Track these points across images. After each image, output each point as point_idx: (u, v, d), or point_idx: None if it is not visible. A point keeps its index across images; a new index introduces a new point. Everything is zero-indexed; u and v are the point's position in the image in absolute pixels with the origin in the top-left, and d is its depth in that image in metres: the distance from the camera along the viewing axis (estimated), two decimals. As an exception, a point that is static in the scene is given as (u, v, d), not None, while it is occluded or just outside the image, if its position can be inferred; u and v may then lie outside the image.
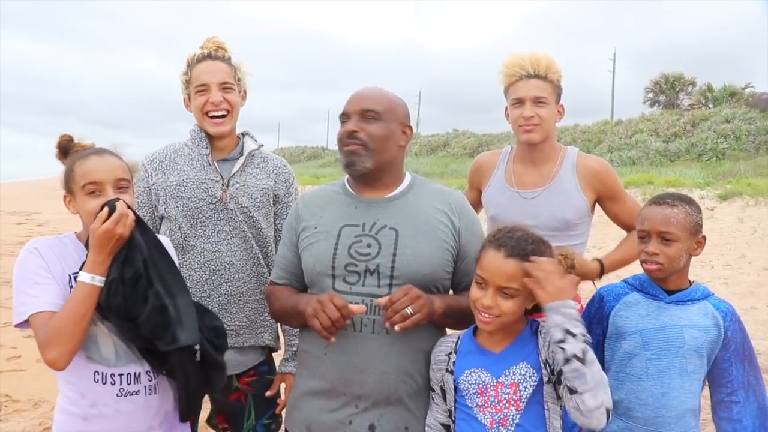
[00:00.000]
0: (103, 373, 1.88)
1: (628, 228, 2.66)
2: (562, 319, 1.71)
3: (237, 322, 2.44)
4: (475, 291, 1.84)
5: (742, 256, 10.79)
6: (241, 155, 2.50)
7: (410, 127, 2.11)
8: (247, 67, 2.56)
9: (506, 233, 1.85)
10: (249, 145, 2.53)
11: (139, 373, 1.92)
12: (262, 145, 2.59)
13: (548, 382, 1.79)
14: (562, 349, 1.68)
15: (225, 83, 2.44)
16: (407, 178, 2.11)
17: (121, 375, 1.89)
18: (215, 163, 2.45)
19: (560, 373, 1.72)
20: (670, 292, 2.03)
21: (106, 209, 1.81)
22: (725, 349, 1.99)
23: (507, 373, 1.83)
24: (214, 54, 2.48)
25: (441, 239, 1.99)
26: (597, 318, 2.14)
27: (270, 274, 2.59)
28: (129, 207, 1.85)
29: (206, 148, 2.46)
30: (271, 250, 2.56)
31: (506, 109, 2.66)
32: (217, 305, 2.39)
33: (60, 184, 1.95)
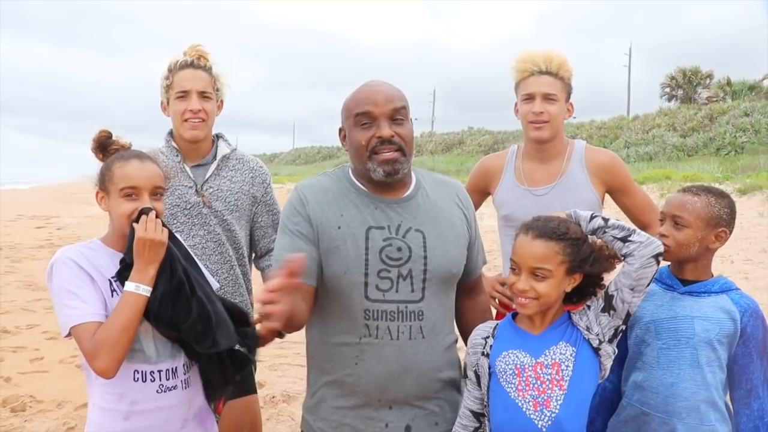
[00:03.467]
0: (143, 371, 1.89)
1: (638, 222, 2.65)
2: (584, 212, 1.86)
3: None
4: (511, 277, 1.86)
5: (762, 251, 10.67)
6: (215, 160, 2.58)
7: (412, 122, 2.06)
8: (226, 78, 2.67)
9: (533, 221, 1.88)
10: (222, 149, 2.61)
11: (176, 368, 1.95)
12: (236, 148, 2.66)
13: (599, 345, 1.83)
14: (604, 219, 1.82)
15: (204, 92, 2.54)
16: (413, 175, 2.06)
17: (160, 371, 1.91)
18: (188, 168, 2.54)
19: (601, 234, 1.81)
20: (688, 283, 2.03)
21: (143, 218, 1.84)
22: (745, 345, 1.96)
23: (547, 353, 1.84)
24: (197, 63, 2.57)
25: (460, 234, 2.02)
26: None
27: (244, 277, 2.66)
28: (158, 216, 1.89)
29: (177, 155, 2.56)
30: (244, 254, 2.62)
31: (516, 104, 2.67)
32: None
33: (95, 181, 1.97)
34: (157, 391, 1.91)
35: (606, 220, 1.82)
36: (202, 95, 2.53)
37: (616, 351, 1.87)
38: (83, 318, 1.81)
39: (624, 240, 1.78)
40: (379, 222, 1.92)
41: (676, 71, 40.06)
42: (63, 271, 1.86)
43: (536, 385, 1.81)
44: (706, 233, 1.97)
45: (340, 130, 2.02)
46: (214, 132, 2.66)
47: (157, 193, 1.94)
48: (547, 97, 2.52)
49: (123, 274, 1.86)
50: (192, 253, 2.10)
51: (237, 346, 2.00)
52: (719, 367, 1.98)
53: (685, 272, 2.04)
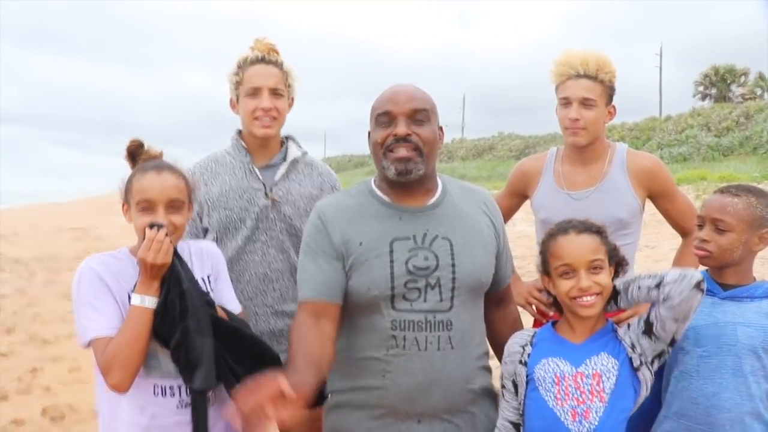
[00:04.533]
0: (162, 386, 1.88)
1: (679, 228, 2.59)
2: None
3: (273, 331, 2.40)
4: (565, 283, 1.82)
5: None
6: (284, 161, 2.46)
7: (442, 129, 1.99)
8: (296, 73, 2.51)
9: (563, 222, 1.91)
10: (293, 152, 2.48)
11: None
12: (306, 152, 2.55)
13: (640, 366, 1.81)
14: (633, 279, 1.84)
15: (276, 89, 2.40)
16: (439, 182, 2.02)
17: (180, 387, 1.88)
18: (257, 170, 2.41)
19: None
20: (728, 288, 1.94)
21: (150, 235, 1.80)
22: None
23: (588, 363, 1.81)
24: (268, 58, 2.43)
25: (488, 242, 1.98)
26: None
27: None
28: (176, 230, 1.87)
29: (246, 155, 2.43)
30: None
31: (556, 107, 2.60)
32: (253, 316, 2.33)
33: (120, 193, 1.97)
34: (177, 407, 1.89)
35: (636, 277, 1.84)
36: (274, 92, 2.40)
37: (653, 377, 1.83)
38: (99, 332, 1.80)
39: (658, 286, 1.75)
40: (405, 232, 1.89)
41: (709, 69, 39.34)
42: (85, 282, 1.86)
43: (576, 395, 1.77)
44: (750, 235, 1.88)
45: (369, 133, 1.98)
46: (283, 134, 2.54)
47: (174, 205, 1.89)
48: (585, 102, 2.45)
49: None
50: (217, 255, 2.06)
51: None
52: (764, 377, 1.88)
53: (725, 276, 1.95)
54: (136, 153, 1.99)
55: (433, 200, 1.96)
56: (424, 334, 1.85)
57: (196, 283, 1.94)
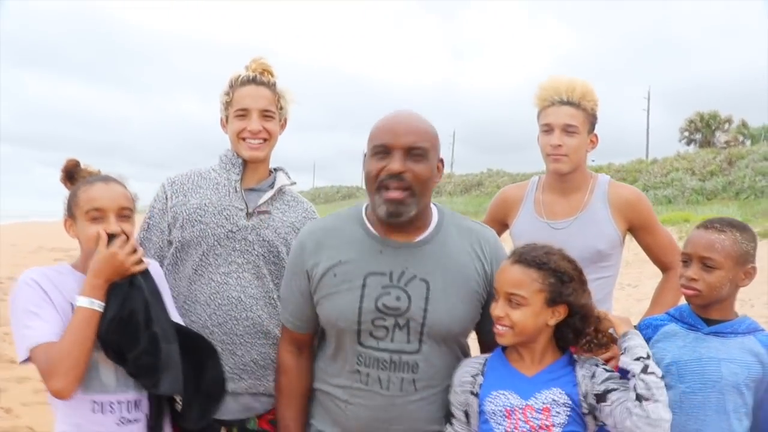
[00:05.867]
0: (101, 403, 1.82)
1: (659, 262, 2.55)
2: (642, 342, 1.76)
3: (241, 366, 2.21)
4: (492, 305, 1.79)
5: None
6: (271, 188, 2.34)
7: (442, 162, 1.89)
8: (291, 94, 2.42)
9: (524, 246, 1.82)
10: (281, 180, 2.38)
11: (140, 401, 1.87)
12: (295, 183, 2.45)
13: (588, 413, 1.74)
14: (644, 363, 1.69)
15: (266, 111, 2.30)
16: (435, 215, 1.91)
17: (120, 402, 1.84)
18: (242, 191, 2.29)
19: (607, 390, 1.72)
20: (712, 323, 1.90)
21: (105, 233, 1.81)
22: None
23: (537, 396, 1.75)
24: (259, 78, 2.33)
25: (473, 290, 1.87)
26: None
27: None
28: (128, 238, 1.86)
29: (237, 174, 2.30)
30: None
31: (538, 135, 2.56)
32: (220, 344, 2.15)
33: (64, 208, 1.93)
34: (117, 424, 1.83)
35: (645, 367, 1.70)
36: (264, 114, 2.29)
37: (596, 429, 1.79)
38: (42, 338, 1.75)
39: (639, 399, 1.65)
40: (381, 268, 1.82)
41: (694, 115, 40.07)
42: (25, 292, 1.81)
43: (525, 429, 1.73)
44: (737, 272, 1.85)
45: (364, 155, 1.90)
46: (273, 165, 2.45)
47: (124, 214, 1.88)
48: (567, 129, 2.42)
49: None
50: (157, 272, 2.03)
51: (179, 406, 1.93)
52: (746, 414, 1.85)
53: (710, 312, 1.90)
54: (73, 172, 1.95)
55: (421, 237, 1.87)
56: (387, 374, 1.80)
57: (157, 292, 1.92)
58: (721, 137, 37.53)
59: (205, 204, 2.26)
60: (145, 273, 1.90)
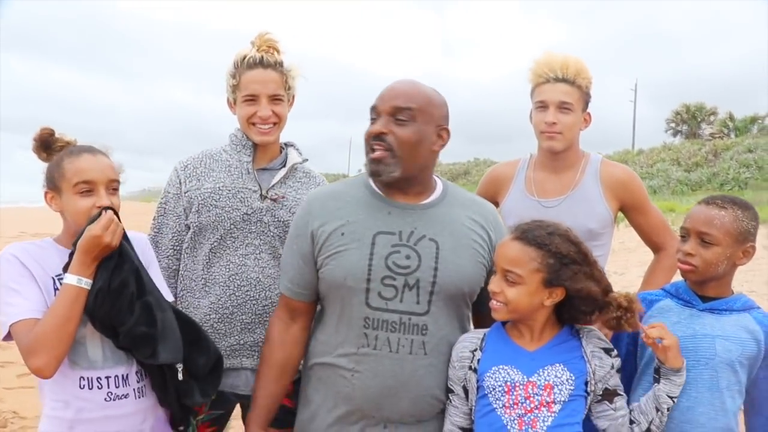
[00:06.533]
0: (89, 378, 1.79)
1: (651, 242, 2.54)
2: (673, 388, 1.77)
3: (260, 343, 2.19)
4: (492, 278, 1.78)
5: (767, 283, 10.54)
6: (283, 167, 2.33)
7: (447, 130, 1.88)
8: (297, 70, 2.36)
9: (530, 222, 1.78)
10: (293, 158, 2.36)
11: (128, 375, 1.84)
12: (307, 159, 2.42)
13: (592, 392, 1.74)
14: (662, 410, 1.77)
15: (275, 95, 2.26)
16: (439, 185, 1.94)
17: (108, 378, 1.81)
18: (255, 172, 2.29)
19: (616, 392, 1.78)
20: (708, 300, 1.88)
21: (104, 214, 1.75)
22: (767, 368, 1.83)
23: (540, 373, 1.73)
24: (267, 60, 2.27)
25: (479, 254, 1.87)
26: None
27: None
28: (116, 214, 1.80)
29: (248, 155, 2.29)
30: None
31: (531, 111, 2.53)
32: (239, 324, 2.21)
33: (42, 182, 1.87)
34: (105, 399, 1.80)
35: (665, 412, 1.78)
36: (273, 99, 2.26)
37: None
38: (23, 315, 1.71)
39: (632, 423, 1.78)
40: (390, 227, 1.82)
41: (680, 107, 40.31)
42: (4, 269, 1.76)
43: (524, 404, 1.72)
44: (735, 249, 1.81)
45: None
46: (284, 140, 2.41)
47: (113, 187, 1.84)
48: (562, 106, 2.39)
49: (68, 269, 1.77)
50: (145, 243, 2.01)
51: (180, 374, 1.88)
52: (739, 392, 1.84)
53: (706, 289, 1.89)
54: (48, 141, 1.87)
55: (428, 200, 1.88)
56: (397, 336, 1.77)
57: (142, 265, 1.87)
58: (706, 129, 37.82)
59: (219, 188, 2.25)
60: (129, 242, 1.86)
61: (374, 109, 1.83)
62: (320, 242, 1.85)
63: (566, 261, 1.70)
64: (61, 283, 1.75)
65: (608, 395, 1.76)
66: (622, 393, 1.79)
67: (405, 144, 1.79)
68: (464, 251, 1.84)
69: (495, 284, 1.73)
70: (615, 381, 1.78)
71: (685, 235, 1.87)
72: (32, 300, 1.73)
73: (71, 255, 1.76)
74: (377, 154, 1.79)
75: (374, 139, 1.80)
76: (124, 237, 1.82)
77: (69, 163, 1.81)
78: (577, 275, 1.70)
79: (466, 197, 1.98)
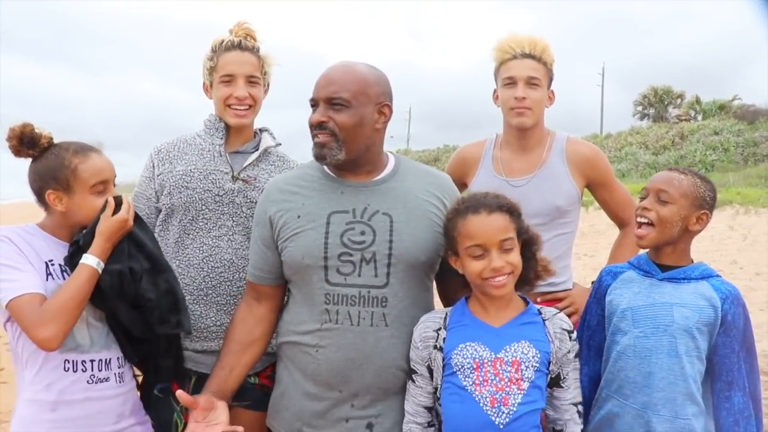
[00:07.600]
0: (74, 361, 1.84)
1: (617, 218, 2.60)
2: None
3: None
4: (475, 264, 1.76)
5: (733, 262, 10.81)
6: (256, 150, 2.37)
7: (388, 106, 1.93)
8: (273, 58, 2.43)
9: (472, 198, 1.84)
10: (266, 141, 2.40)
11: (110, 360, 1.91)
12: (280, 144, 2.47)
13: (550, 372, 1.80)
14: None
15: (251, 77, 2.32)
16: (391, 160, 2.00)
17: (92, 361, 1.87)
18: (227, 154, 2.32)
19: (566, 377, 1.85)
20: (667, 269, 1.96)
21: (112, 201, 1.89)
22: (726, 334, 1.89)
23: (507, 350, 1.77)
24: (244, 44, 2.33)
25: (435, 223, 1.91)
26: (596, 297, 2.10)
27: None
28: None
29: (221, 138, 2.33)
30: None
31: (495, 92, 2.56)
32: (215, 305, 2.24)
33: (40, 183, 1.89)
34: (87, 382, 1.86)
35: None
36: (249, 80, 2.32)
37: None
38: (27, 289, 1.75)
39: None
40: (343, 206, 1.88)
41: (648, 90, 40.77)
42: (1, 248, 1.79)
43: (495, 382, 1.75)
44: (689, 212, 1.92)
45: None
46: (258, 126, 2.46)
47: (115, 183, 1.99)
48: (530, 82, 2.42)
49: (74, 258, 1.84)
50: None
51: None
52: (698, 358, 1.90)
53: (663, 257, 1.97)
54: (34, 138, 1.87)
55: (379, 176, 1.94)
56: (357, 309, 1.82)
57: (156, 240, 2.08)
58: (673, 112, 38.36)
59: (190, 170, 2.29)
60: (141, 223, 2.01)
61: (312, 100, 1.89)
62: (278, 227, 1.91)
63: (516, 212, 1.83)
64: (53, 268, 1.84)
65: (554, 383, 1.83)
66: (564, 386, 1.84)
67: (345, 128, 1.85)
68: (419, 222, 1.89)
69: (498, 260, 1.74)
70: (566, 370, 1.83)
71: (645, 196, 1.97)
72: (33, 277, 1.79)
73: (71, 246, 1.86)
74: (320, 139, 1.86)
75: (316, 128, 1.86)
76: (136, 222, 1.98)
77: (82, 164, 1.88)
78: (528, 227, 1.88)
79: (419, 169, 2.03)
